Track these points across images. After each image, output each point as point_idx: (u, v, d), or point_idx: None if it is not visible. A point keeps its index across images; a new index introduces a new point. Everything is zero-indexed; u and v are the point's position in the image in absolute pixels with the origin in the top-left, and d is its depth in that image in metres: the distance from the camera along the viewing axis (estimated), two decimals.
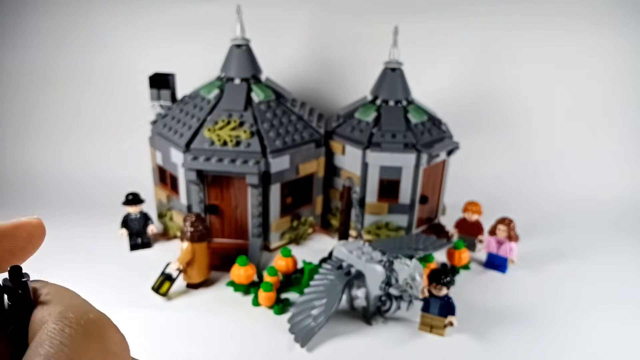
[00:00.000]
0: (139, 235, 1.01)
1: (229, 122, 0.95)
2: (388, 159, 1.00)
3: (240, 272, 0.87)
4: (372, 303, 0.81)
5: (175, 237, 1.05)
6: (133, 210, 1.00)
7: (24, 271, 0.23)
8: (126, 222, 1.00)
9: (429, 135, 1.03)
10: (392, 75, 1.05)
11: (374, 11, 1.27)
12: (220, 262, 0.93)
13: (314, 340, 0.76)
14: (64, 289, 0.24)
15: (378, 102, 1.06)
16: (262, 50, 1.05)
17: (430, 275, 0.80)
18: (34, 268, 0.93)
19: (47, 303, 0.22)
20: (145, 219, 1.01)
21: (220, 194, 0.98)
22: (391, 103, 1.05)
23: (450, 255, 0.97)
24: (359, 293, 0.81)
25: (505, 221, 0.97)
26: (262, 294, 0.84)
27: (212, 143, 0.93)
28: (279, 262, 0.91)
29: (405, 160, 1.00)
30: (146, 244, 1.02)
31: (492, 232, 0.98)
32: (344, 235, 0.93)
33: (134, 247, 1.01)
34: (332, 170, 1.09)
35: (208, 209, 0.99)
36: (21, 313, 0.22)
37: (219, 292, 0.90)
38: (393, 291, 0.79)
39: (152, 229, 1.01)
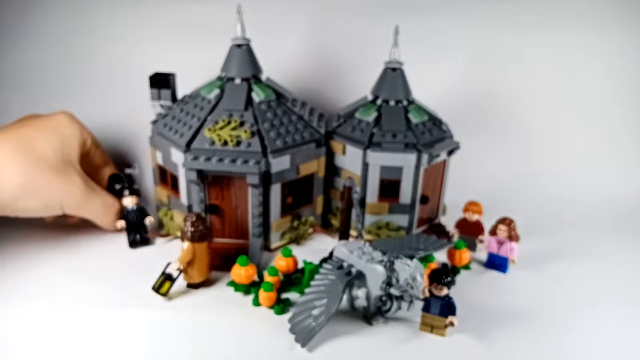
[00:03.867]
0: (137, 230, 1.01)
1: (229, 122, 0.95)
2: (388, 159, 1.00)
3: (241, 272, 0.87)
4: (373, 303, 0.81)
5: (175, 236, 1.05)
6: (129, 202, 1.01)
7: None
8: (124, 216, 1.01)
9: (430, 135, 1.03)
10: (393, 75, 1.05)
11: (374, 11, 1.27)
12: (221, 262, 0.93)
13: (314, 340, 0.76)
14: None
15: (378, 102, 1.06)
16: (262, 50, 1.05)
17: (431, 275, 0.80)
18: (34, 267, 0.93)
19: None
20: (142, 211, 1.02)
21: (220, 194, 0.98)
22: (392, 103, 1.05)
23: (450, 255, 0.97)
24: (360, 293, 0.81)
25: (506, 221, 0.97)
26: (263, 294, 0.84)
27: (213, 143, 0.93)
28: (280, 262, 0.91)
29: (405, 160, 1.00)
30: (145, 240, 1.02)
31: (493, 232, 0.98)
32: (344, 235, 0.93)
33: (132, 243, 1.01)
34: (332, 170, 1.09)
35: (208, 209, 0.99)
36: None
37: (219, 292, 0.90)
38: (394, 291, 0.79)
39: (150, 219, 1.02)
